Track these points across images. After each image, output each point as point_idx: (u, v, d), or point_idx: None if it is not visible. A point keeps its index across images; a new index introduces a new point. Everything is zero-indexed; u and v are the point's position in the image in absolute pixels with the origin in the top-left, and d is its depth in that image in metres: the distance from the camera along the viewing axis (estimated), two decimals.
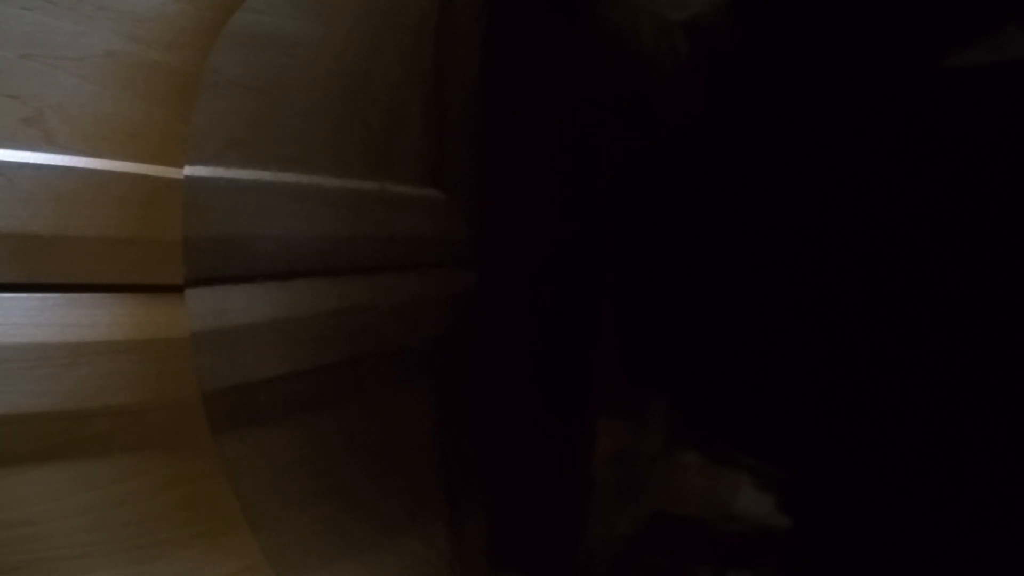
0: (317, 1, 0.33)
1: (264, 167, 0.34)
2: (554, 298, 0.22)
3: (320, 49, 0.32)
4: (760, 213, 0.18)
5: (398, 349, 0.27)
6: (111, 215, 0.38)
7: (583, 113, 0.22)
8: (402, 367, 0.27)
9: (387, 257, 0.27)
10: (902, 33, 0.16)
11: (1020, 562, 0.15)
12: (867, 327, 0.17)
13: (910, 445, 0.17)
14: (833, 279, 0.17)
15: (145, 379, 0.40)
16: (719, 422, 0.19)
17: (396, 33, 0.28)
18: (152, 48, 0.39)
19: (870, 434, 0.17)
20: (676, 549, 0.20)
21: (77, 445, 0.38)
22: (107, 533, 0.40)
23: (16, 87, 0.36)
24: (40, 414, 0.37)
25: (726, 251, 0.19)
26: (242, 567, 0.45)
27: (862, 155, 0.17)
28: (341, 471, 0.31)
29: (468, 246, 0.24)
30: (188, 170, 0.40)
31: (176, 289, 0.40)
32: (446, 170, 0.26)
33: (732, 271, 0.19)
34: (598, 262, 0.21)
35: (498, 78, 0.24)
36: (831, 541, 0.18)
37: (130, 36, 0.39)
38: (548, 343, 0.22)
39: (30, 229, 0.36)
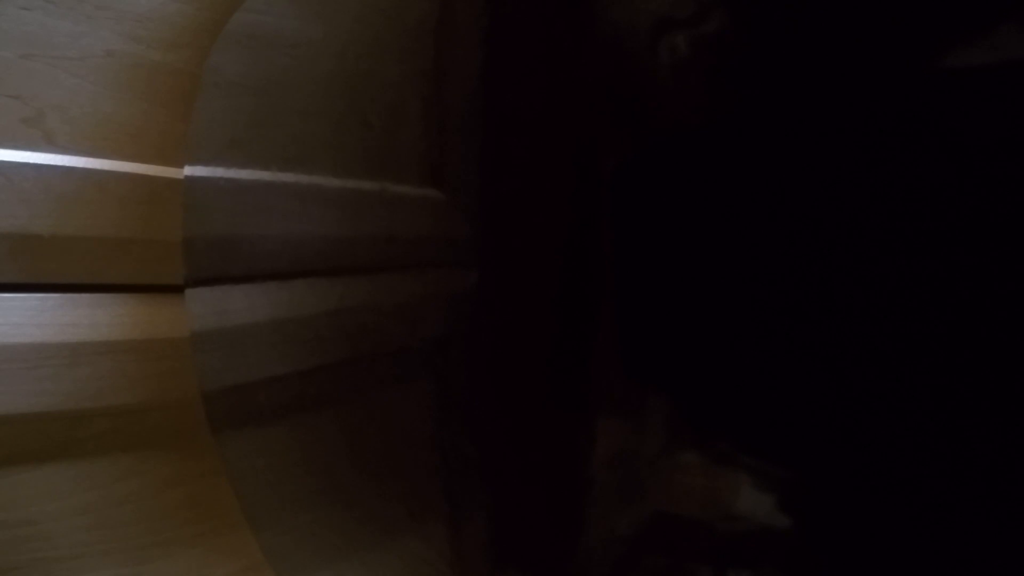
0: (317, 1, 0.33)
1: (264, 167, 0.34)
2: (554, 298, 0.22)
3: (320, 49, 0.32)
4: (759, 213, 0.18)
5: (398, 349, 0.27)
6: (111, 215, 0.38)
7: (583, 113, 0.22)
8: (402, 367, 0.27)
9: (387, 257, 0.27)
10: (900, 33, 0.16)
11: (1020, 562, 0.15)
12: (866, 326, 0.17)
13: (910, 445, 0.17)
14: (832, 279, 0.17)
15: (145, 379, 0.40)
16: (719, 422, 0.19)
17: (396, 33, 0.28)
18: (152, 48, 0.39)
19: (870, 434, 0.17)
20: (676, 549, 0.20)
21: (77, 445, 0.38)
22: (107, 533, 0.40)
23: (16, 87, 0.36)
24: (40, 414, 0.37)
25: (726, 251, 0.19)
26: (242, 567, 0.45)
27: (862, 155, 0.17)
28: (341, 471, 0.31)
29: (468, 246, 0.24)
30: (188, 170, 0.40)
31: (176, 289, 0.39)
32: (446, 170, 0.26)
33: (732, 271, 0.19)
34: (598, 262, 0.21)
35: (498, 78, 0.24)
36: (831, 541, 0.18)
37: (130, 36, 0.39)
38: (548, 343, 0.22)
39: (30, 229, 0.36)
